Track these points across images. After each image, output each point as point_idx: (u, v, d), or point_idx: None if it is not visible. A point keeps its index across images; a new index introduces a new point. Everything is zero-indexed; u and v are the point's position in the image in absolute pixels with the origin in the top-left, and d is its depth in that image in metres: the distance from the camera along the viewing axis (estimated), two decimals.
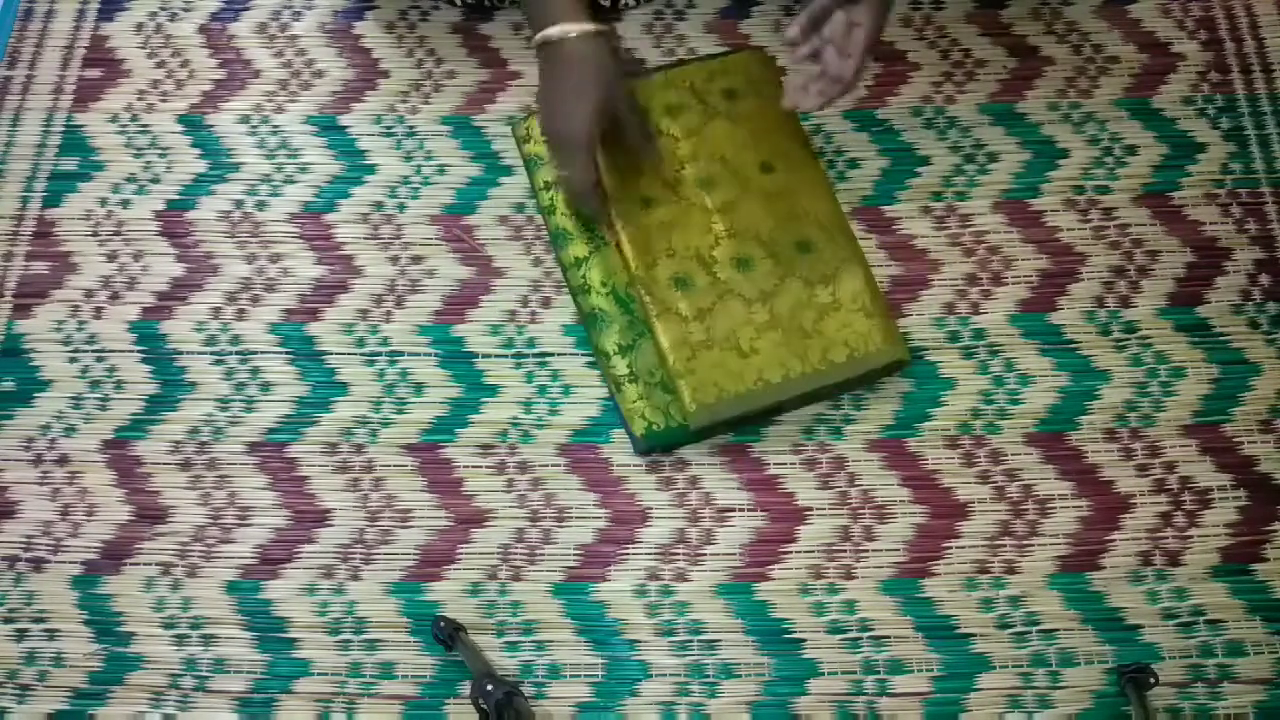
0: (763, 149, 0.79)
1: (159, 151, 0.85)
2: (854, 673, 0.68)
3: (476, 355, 0.77)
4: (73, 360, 0.78)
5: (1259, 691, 0.67)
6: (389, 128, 0.85)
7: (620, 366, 0.74)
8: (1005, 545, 0.71)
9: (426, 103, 0.86)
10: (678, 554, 0.71)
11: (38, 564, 0.72)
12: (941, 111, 0.84)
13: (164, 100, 0.87)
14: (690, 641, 0.69)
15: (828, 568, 0.71)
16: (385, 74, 0.87)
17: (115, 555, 0.72)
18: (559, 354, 0.77)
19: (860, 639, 0.69)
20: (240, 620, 0.70)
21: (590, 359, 0.77)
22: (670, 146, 0.79)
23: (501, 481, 0.74)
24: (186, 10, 0.91)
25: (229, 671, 0.69)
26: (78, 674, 0.69)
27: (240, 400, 0.76)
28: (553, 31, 0.71)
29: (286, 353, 0.78)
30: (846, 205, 0.80)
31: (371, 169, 0.83)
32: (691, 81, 0.82)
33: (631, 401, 0.74)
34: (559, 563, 0.71)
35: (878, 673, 0.68)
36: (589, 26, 0.71)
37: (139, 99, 0.87)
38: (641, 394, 0.74)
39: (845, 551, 0.71)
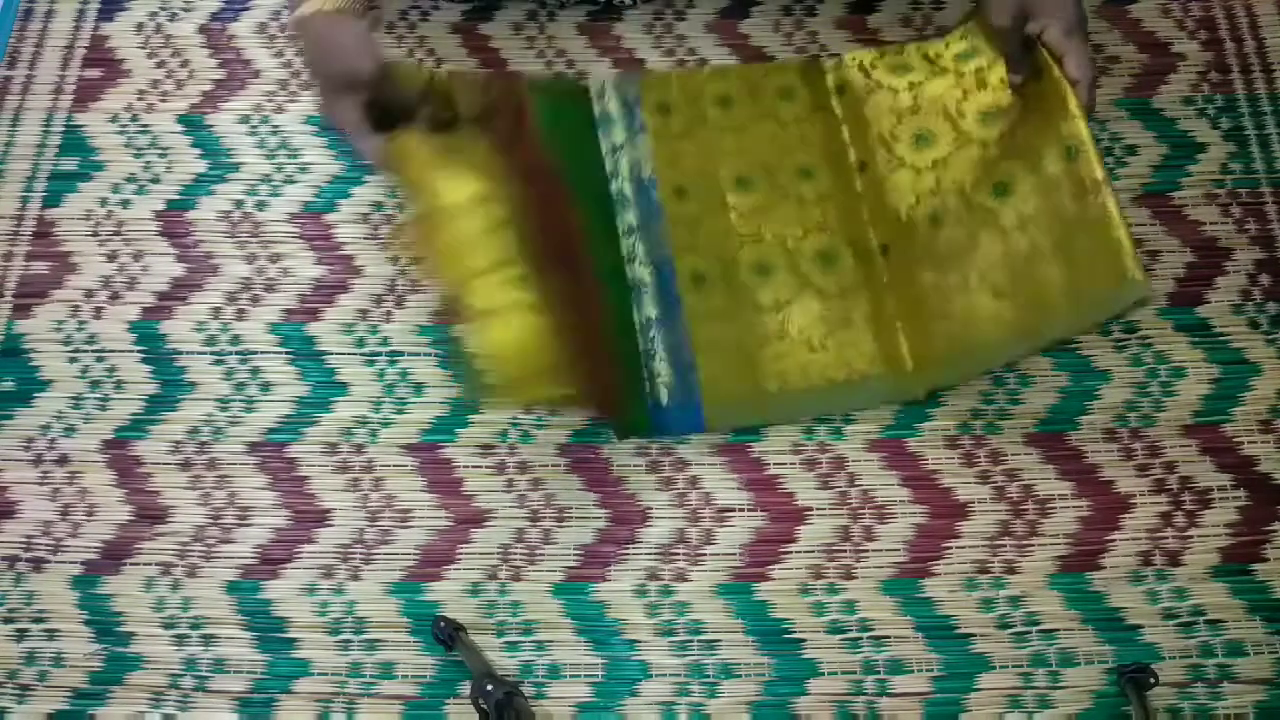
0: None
1: (159, 151, 0.85)
2: (854, 673, 0.68)
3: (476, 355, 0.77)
4: (73, 360, 0.78)
5: (1259, 691, 0.67)
6: None
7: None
8: (1005, 545, 0.71)
9: None
10: (678, 554, 0.72)
11: (38, 564, 0.72)
12: None
13: (164, 100, 0.87)
14: (690, 641, 0.69)
15: (828, 568, 0.71)
16: None
17: (115, 555, 0.72)
18: None
19: (860, 639, 0.69)
20: (240, 620, 0.70)
21: None
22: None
23: (501, 481, 0.74)
24: (186, 10, 0.91)
25: (229, 671, 0.69)
26: (78, 674, 0.69)
27: (240, 400, 0.76)
28: (304, 9, 0.71)
29: (286, 353, 0.78)
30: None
31: (372, 169, 0.83)
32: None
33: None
34: (559, 563, 0.71)
35: (878, 673, 0.68)
36: (338, 4, 0.71)
37: (139, 99, 0.87)
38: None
39: (845, 551, 0.71)
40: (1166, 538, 0.71)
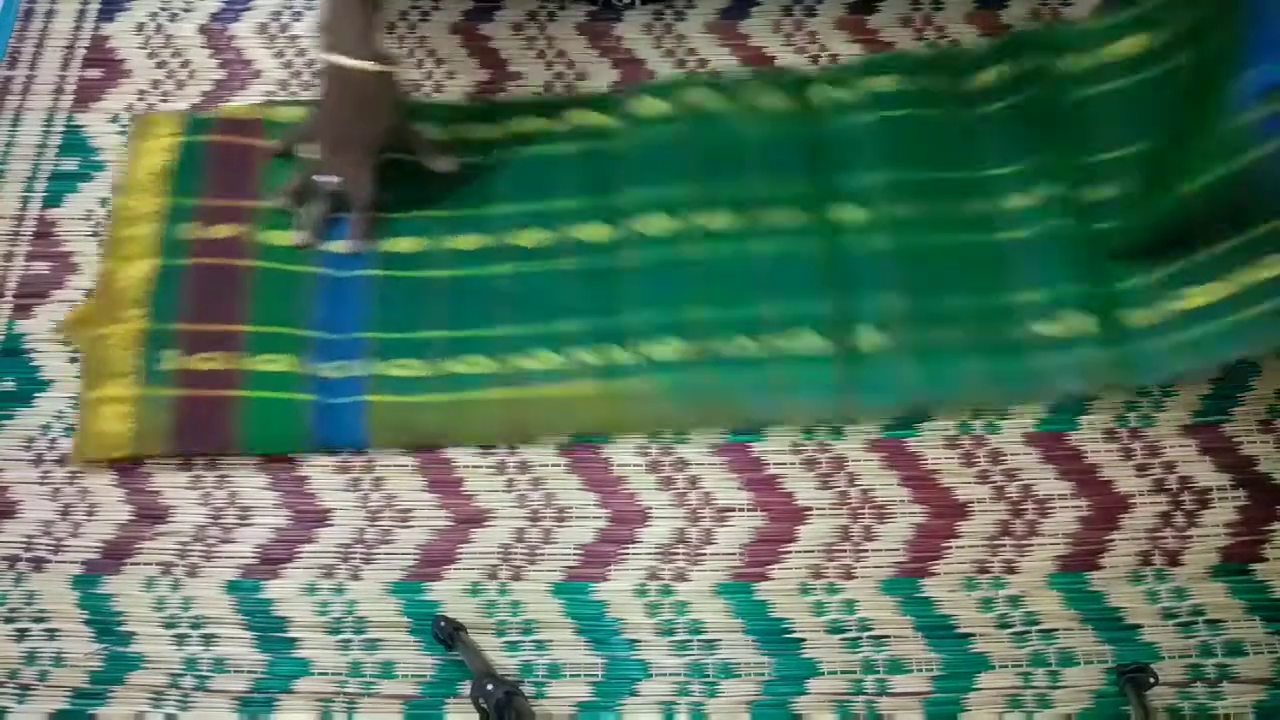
0: None
1: None
2: (854, 672, 0.68)
3: None
4: (73, 360, 0.78)
5: (1259, 691, 0.67)
6: None
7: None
8: (1005, 545, 0.71)
9: None
10: (678, 554, 0.72)
11: (38, 564, 0.72)
12: None
13: (164, 100, 0.87)
14: (690, 641, 0.69)
15: (827, 567, 0.71)
16: None
17: (116, 555, 0.72)
18: None
19: (860, 638, 0.69)
20: (241, 620, 0.70)
21: None
22: None
23: (501, 481, 0.74)
24: (187, 10, 0.91)
25: (229, 671, 0.69)
26: (78, 674, 0.69)
27: None
28: (345, 60, 0.72)
29: None
30: None
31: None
32: None
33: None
34: (559, 562, 0.71)
35: (877, 672, 0.68)
36: (375, 67, 0.73)
37: (139, 99, 0.87)
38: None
39: (845, 551, 0.71)
40: (1166, 537, 0.71)
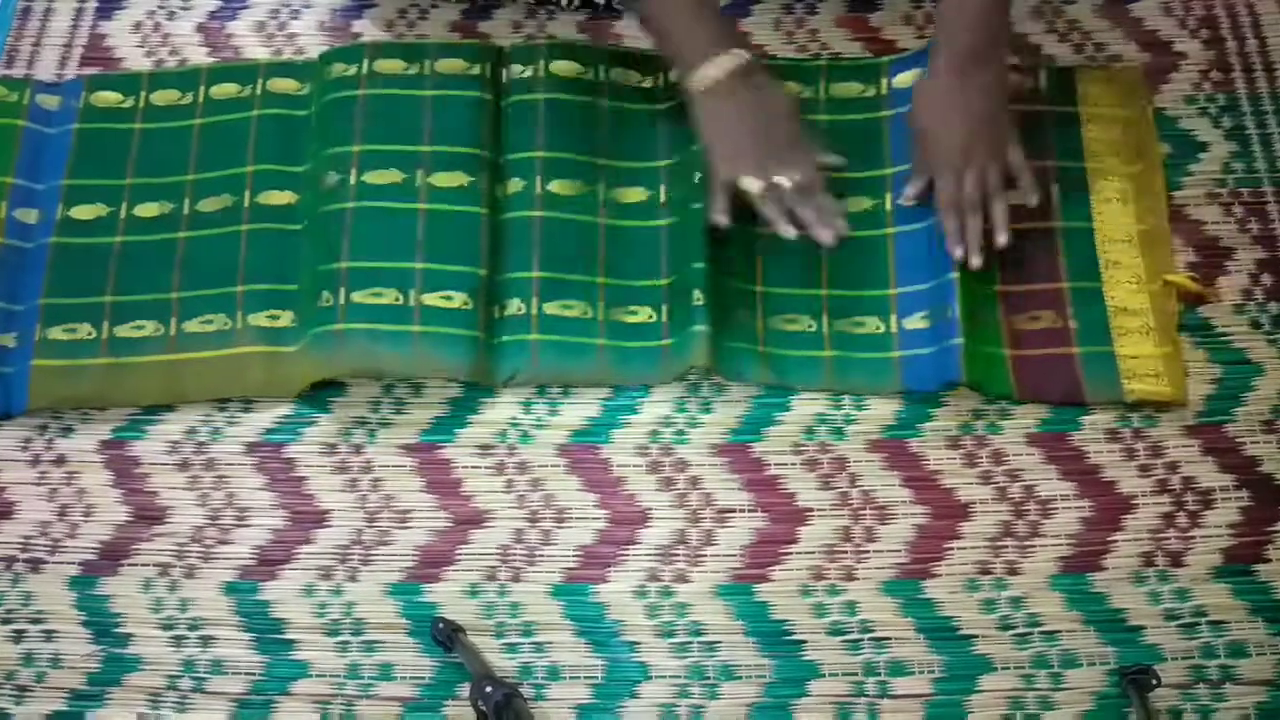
0: None
1: None
2: (855, 674, 0.68)
3: None
4: None
5: (1261, 693, 0.67)
6: None
7: None
8: (1007, 546, 0.71)
9: None
10: (678, 555, 0.71)
11: (35, 565, 0.72)
12: None
13: None
14: (690, 643, 0.69)
15: (829, 569, 0.71)
16: None
17: (113, 556, 0.72)
18: None
19: (861, 640, 0.69)
20: (238, 621, 0.70)
21: None
22: None
23: (501, 482, 0.73)
24: (185, 9, 0.90)
25: (227, 673, 0.69)
26: (75, 675, 0.69)
27: (238, 400, 0.76)
28: (714, 71, 0.74)
29: None
30: None
31: None
32: None
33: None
34: (558, 564, 0.71)
35: (879, 674, 0.68)
36: (743, 55, 0.75)
37: None
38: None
39: (846, 552, 0.71)
40: (1169, 538, 0.71)
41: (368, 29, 0.88)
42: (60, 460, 0.75)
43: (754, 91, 0.76)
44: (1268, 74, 0.85)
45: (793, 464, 0.74)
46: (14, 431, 0.76)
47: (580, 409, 0.75)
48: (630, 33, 0.88)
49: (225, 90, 0.85)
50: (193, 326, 0.76)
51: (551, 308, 0.76)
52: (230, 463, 0.74)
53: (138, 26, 0.90)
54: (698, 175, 0.78)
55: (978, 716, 0.67)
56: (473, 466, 0.74)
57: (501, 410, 0.75)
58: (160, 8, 0.90)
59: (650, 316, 0.77)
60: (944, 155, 0.74)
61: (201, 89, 0.85)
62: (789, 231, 0.76)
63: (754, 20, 0.88)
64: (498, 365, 0.75)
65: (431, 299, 0.75)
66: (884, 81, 0.83)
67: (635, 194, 0.81)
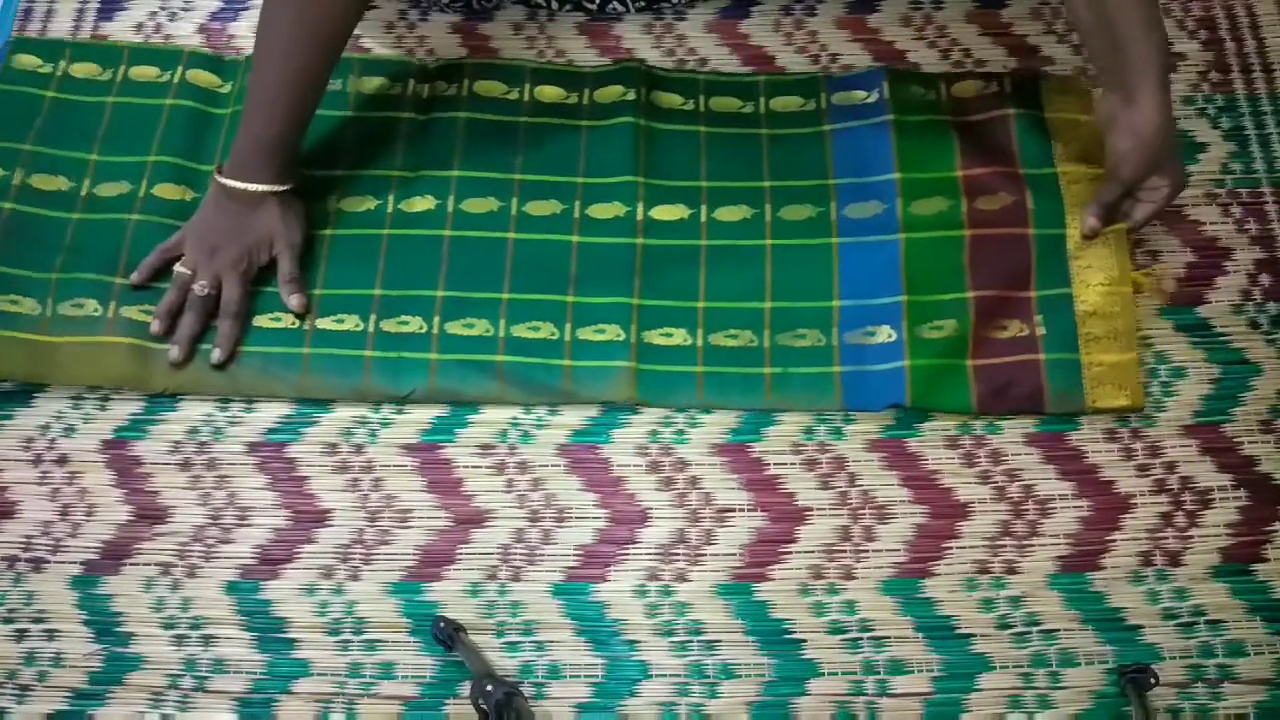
0: None
1: None
2: (854, 673, 0.68)
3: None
4: None
5: (1259, 692, 0.67)
6: None
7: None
8: (1005, 545, 0.71)
9: None
10: (678, 554, 0.71)
11: (37, 564, 0.72)
12: None
13: None
14: (690, 642, 0.69)
15: (828, 568, 0.71)
16: None
17: (115, 555, 0.72)
18: None
19: (860, 639, 0.69)
20: (240, 620, 0.70)
21: None
22: None
23: (501, 481, 0.74)
24: (186, 9, 0.90)
25: (228, 672, 0.69)
26: (77, 674, 0.69)
27: (240, 400, 0.76)
28: (250, 186, 0.74)
29: None
30: None
31: None
32: None
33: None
34: (559, 563, 0.71)
35: (878, 673, 0.68)
36: (280, 188, 0.75)
37: None
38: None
39: (845, 552, 0.71)
40: (1167, 538, 0.71)
41: (368, 30, 0.89)
42: (62, 460, 0.75)
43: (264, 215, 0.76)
44: (1266, 74, 0.86)
45: (792, 464, 0.74)
46: (16, 431, 0.76)
47: (580, 409, 0.75)
48: (630, 34, 0.88)
49: (145, 73, 0.85)
50: (66, 310, 0.76)
51: (453, 326, 0.76)
52: (232, 462, 0.74)
53: (139, 27, 0.90)
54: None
55: (976, 715, 0.67)
56: (473, 466, 0.74)
57: (502, 410, 0.75)
58: (162, 8, 0.90)
59: (620, 334, 0.76)
60: (1141, 171, 0.73)
61: (122, 68, 0.85)
62: None
63: (753, 22, 0.88)
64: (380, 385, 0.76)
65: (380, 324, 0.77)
66: (823, 96, 0.84)
67: (612, 209, 0.80)
